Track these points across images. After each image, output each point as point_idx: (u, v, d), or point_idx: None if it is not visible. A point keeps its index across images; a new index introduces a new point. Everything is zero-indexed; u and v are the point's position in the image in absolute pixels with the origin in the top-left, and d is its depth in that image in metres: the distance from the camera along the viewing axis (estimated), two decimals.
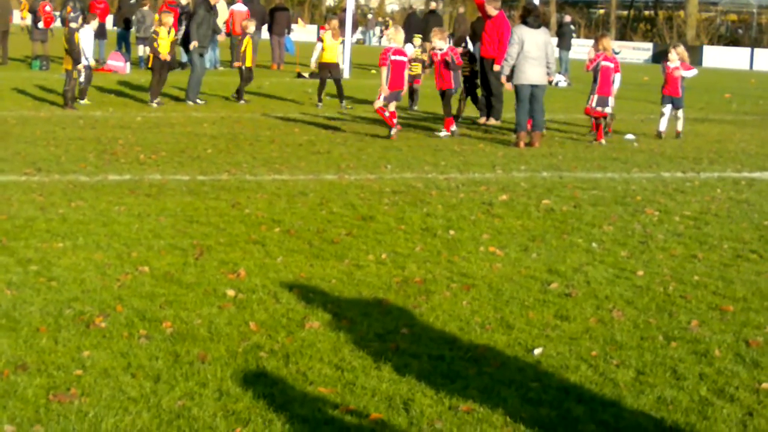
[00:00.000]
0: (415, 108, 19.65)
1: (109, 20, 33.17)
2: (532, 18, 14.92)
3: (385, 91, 14.80)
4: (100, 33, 28.09)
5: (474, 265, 7.41)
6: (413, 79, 18.90)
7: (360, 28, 53.99)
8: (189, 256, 7.33)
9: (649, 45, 55.28)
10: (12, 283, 6.46)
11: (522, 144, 14.56)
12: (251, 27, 20.55)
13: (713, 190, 11.22)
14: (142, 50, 27.43)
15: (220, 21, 23.56)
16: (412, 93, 19.65)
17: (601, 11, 68.57)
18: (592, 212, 9.65)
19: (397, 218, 9.02)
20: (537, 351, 5.54)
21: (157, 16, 20.19)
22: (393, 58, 14.88)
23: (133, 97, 19.85)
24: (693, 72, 16.73)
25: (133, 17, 27.87)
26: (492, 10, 17.36)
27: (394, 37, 15.50)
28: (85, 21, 18.25)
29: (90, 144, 13.07)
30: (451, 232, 8.52)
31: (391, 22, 43.20)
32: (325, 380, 5.00)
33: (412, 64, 18.38)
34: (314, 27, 52.88)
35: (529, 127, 14.80)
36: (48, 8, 28.87)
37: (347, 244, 7.94)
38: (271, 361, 5.22)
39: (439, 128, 15.82)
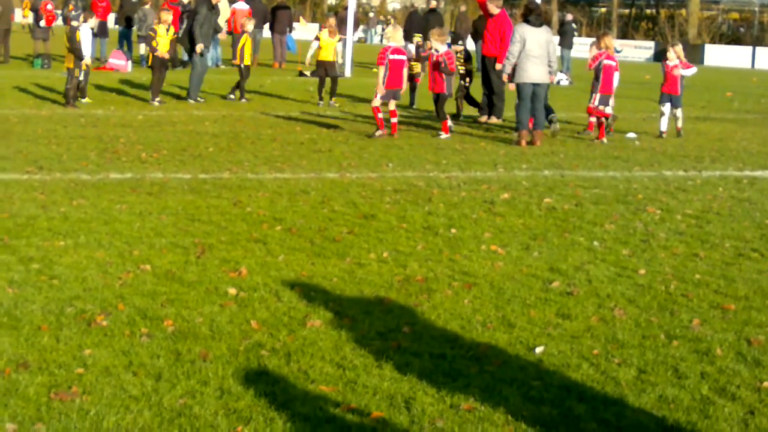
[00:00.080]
0: (414, 107, 19.64)
1: (111, 18, 33.21)
2: (533, 16, 14.91)
3: (381, 89, 14.80)
4: (102, 31, 28.16)
5: (475, 264, 7.41)
6: (413, 78, 18.88)
7: (361, 27, 54.02)
8: (190, 255, 7.33)
9: (651, 43, 55.29)
10: (13, 282, 6.46)
11: (524, 142, 14.55)
12: (249, 25, 20.58)
13: (715, 189, 11.21)
14: (143, 48, 27.45)
15: (222, 19, 23.54)
16: (413, 91, 19.64)
17: (603, 10, 68.50)
18: (593, 211, 9.65)
19: (399, 217, 9.02)
20: (538, 349, 5.53)
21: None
22: (391, 57, 14.86)
23: (135, 95, 19.86)
24: (692, 70, 16.71)
25: (135, 15, 27.91)
26: (494, 9, 17.35)
27: (393, 35, 15.48)
28: (84, 20, 18.24)
29: (91, 142, 13.07)
30: (453, 230, 8.52)
31: (392, 20, 43.14)
32: (326, 379, 5.00)
33: (412, 63, 18.37)
34: (316, 25, 52.80)
35: (530, 125, 14.81)
36: (50, 6, 28.92)
37: (349, 242, 7.94)
38: (273, 360, 5.22)
39: (439, 128, 15.80)
